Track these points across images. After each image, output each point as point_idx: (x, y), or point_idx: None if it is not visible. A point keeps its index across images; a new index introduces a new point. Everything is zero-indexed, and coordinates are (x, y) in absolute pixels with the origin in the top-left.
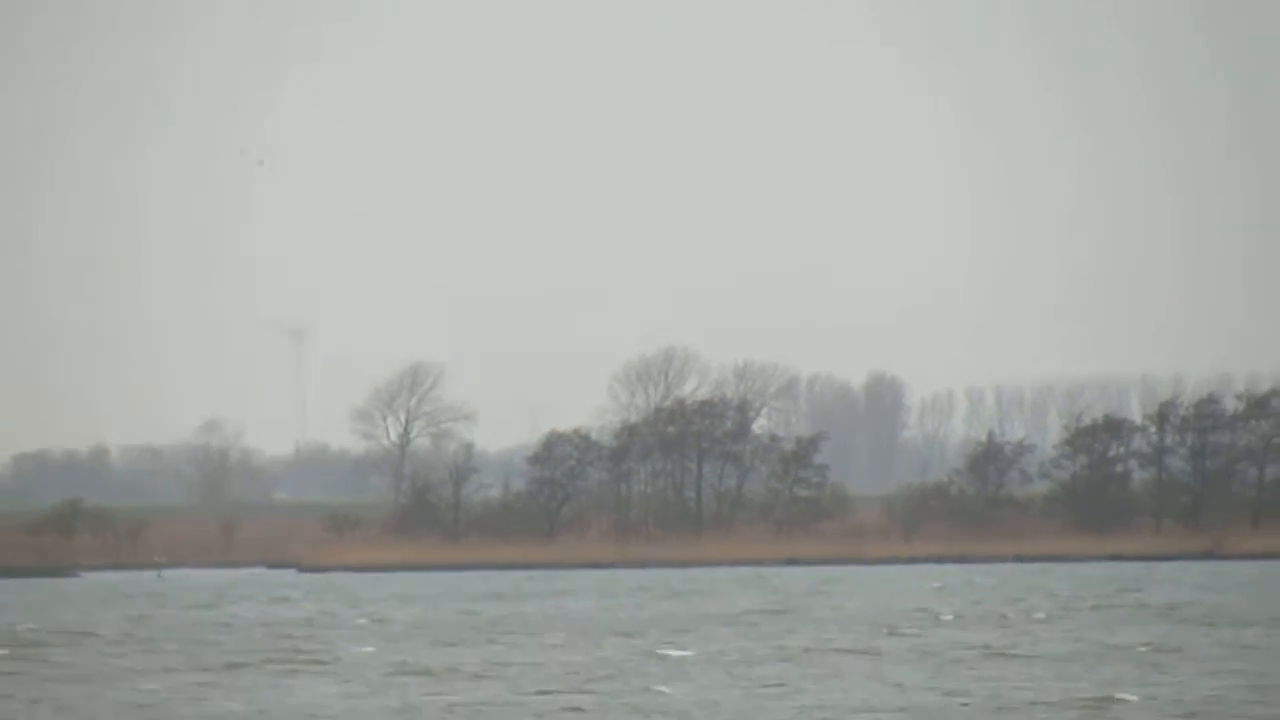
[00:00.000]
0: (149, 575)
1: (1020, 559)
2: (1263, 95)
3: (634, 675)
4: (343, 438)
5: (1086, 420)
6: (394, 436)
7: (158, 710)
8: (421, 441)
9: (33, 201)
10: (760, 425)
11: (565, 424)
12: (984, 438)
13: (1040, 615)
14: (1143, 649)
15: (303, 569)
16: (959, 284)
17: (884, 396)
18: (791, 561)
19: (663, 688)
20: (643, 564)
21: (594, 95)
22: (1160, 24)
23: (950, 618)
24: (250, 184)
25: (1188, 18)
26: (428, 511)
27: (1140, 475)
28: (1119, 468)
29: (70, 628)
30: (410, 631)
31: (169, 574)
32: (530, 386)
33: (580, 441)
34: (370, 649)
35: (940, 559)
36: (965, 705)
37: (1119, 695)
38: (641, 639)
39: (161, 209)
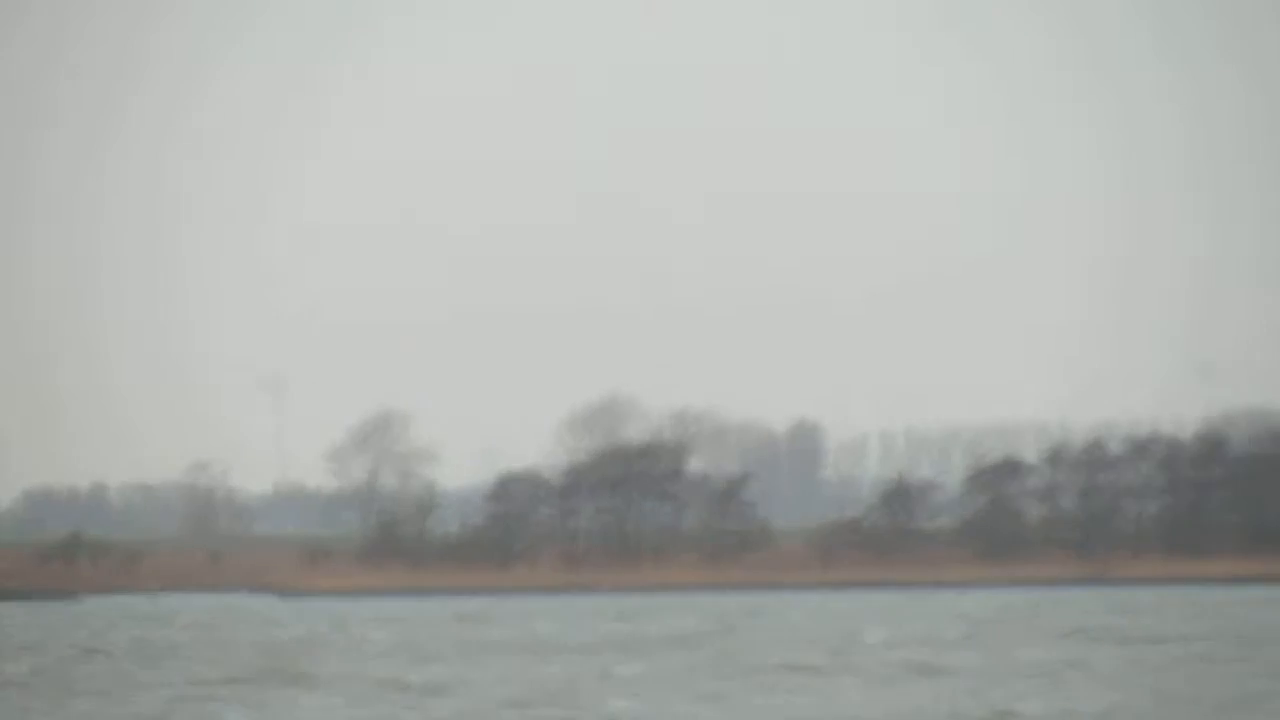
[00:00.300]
0: (143, 600)
1: (927, 586)
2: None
3: (593, 690)
4: (318, 476)
5: (987, 461)
6: (363, 475)
7: None
8: (388, 480)
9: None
10: (693, 466)
11: (519, 464)
12: (895, 476)
13: (952, 636)
14: (1052, 665)
15: (282, 594)
16: (878, 335)
17: (805, 440)
18: (721, 588)
19: (620, 701)
20: (589, 590)
21: (548, 145)
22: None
23: (875, 640)
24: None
25: None
26: (394, 543)
27: (1034, 510)
28: (1015, 504)
29: (84, 645)
30: (389, 650)
31: (161, 599)
32: (487, 430)
33: (532, 480)
34: (353, 666)
35: (855, 585)
36: (895, 717)
37: (1020, 708)
38: (597, 657)
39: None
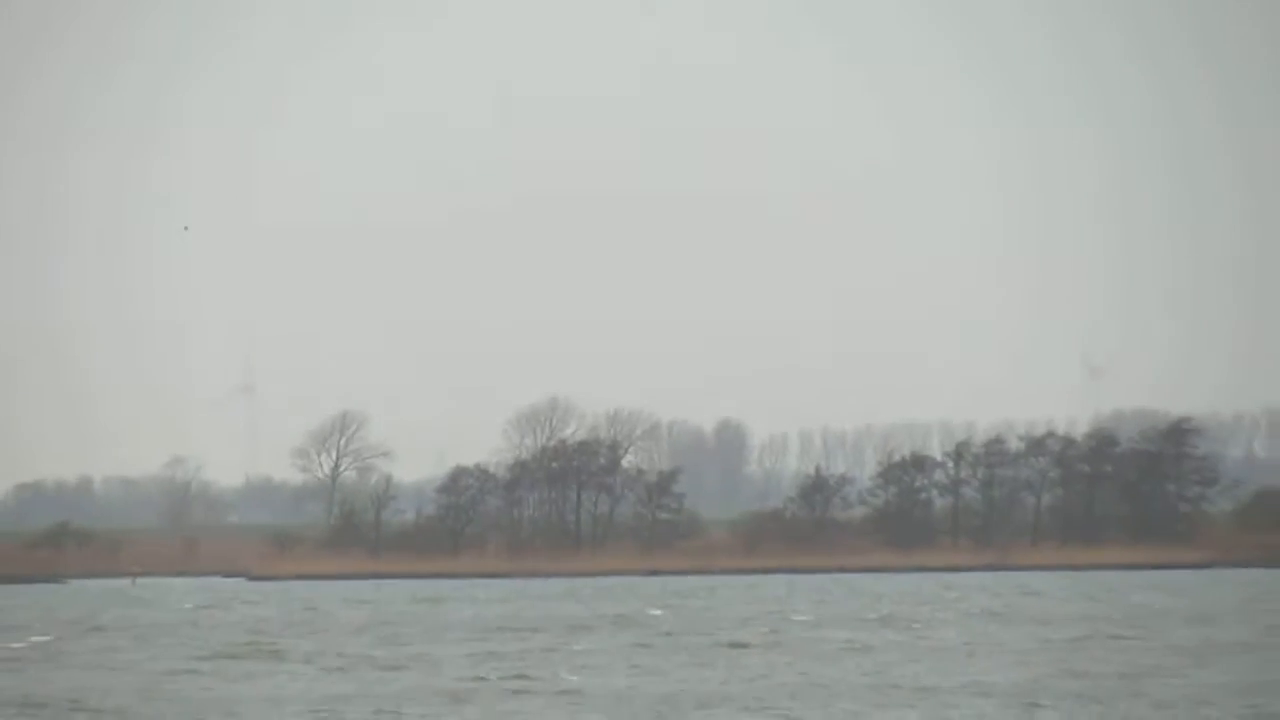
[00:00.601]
0: (125, 583)
1: (842, 570)
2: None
3: (547, 664)
4: (284, 471)
5: (896, 457)
6: (326, 470)
7: (170, 692)
8: (349, 474)
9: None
10: (628, 461)
11: (468, 460)
12: (813, 471)
13: (872, 616)
14: (966, 643)
15: (251, 578)
16: (800, 340)
17: (730, 438)
18: (654, 573)
19: (571, 676)
20: (532, 575)
21: (508, 173)
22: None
23: (803, 618)
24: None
25: None
26: (354, 532)
27: (940, 502)
28: (922, 496)
29: (82, 623)
30: (357, 630)
31: (141, 582)
32: (439, 428)
33: (480, 475)
34: (326, 644)
35: (777, 571)
36: (824, 687)
37: (941, 682)
38: (547, 634)
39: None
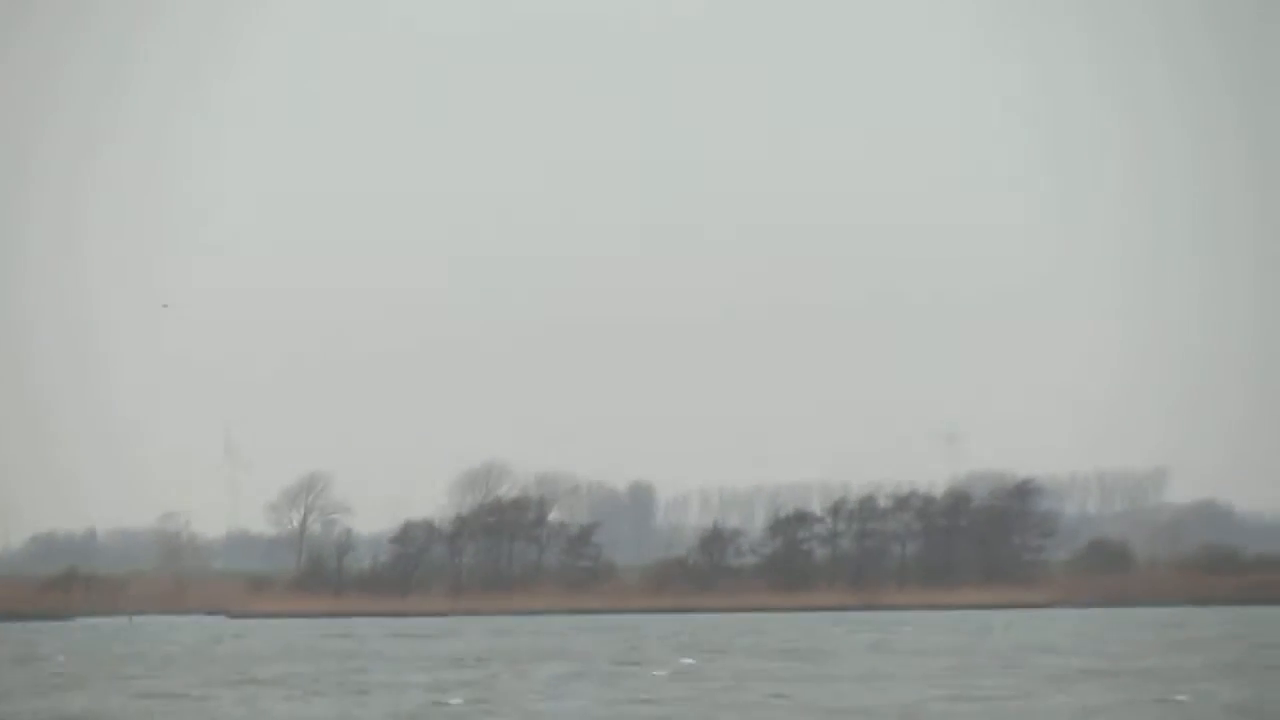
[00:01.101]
0: (123, 620)
1: (734, 610)
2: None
3: (492, 686)
4: (260, 524)
5: (782, 513)
6: (295, 523)
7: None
8: (315, 526)
9: None
10: (553, 516)
11: (417, 515)
12: (711, 525)
13: (773, 646)
14: (854, 670)
15: (231, 615)
16: (700, 409)
17: (640, 496)
18: (575, 612)
19: (527, 691)
20: (471, 614)
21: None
22: None
23: (695, 657)
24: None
25: None
26: (319, 576)
27: (820, 551)
28: (804, 546)
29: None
30: (331, 659)
31: (137, 619)
32: (392, 486)
33: (427, 527)
34: (308, 669)
35: (680, 610)
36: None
37: (838, 704)
38: (499, 663)
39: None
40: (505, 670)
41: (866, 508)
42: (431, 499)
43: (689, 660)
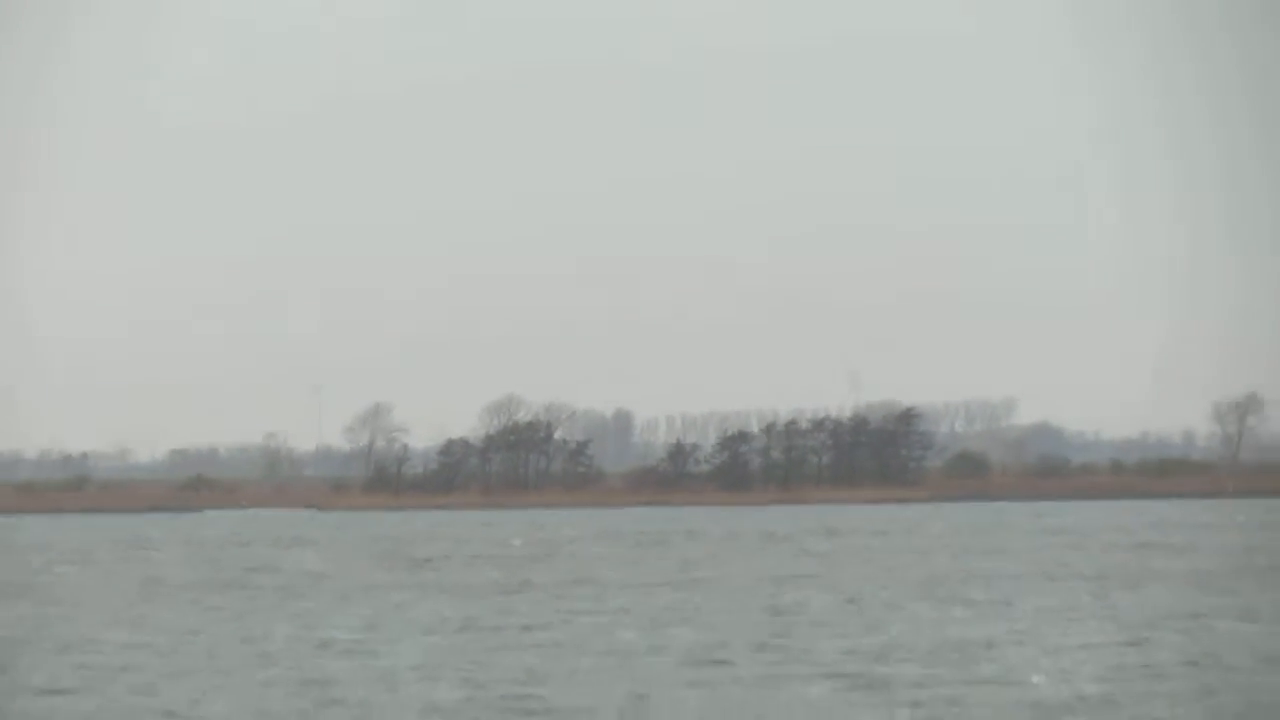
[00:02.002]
0: (242, 512)
1: (692, 505)
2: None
3: (553, 537)
4: (339, 440)
5: (729, 432)
6: (365, 441)
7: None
8: (380, 443)
9: None
10: (557, 435)
11: (457, 433)
12: (675, 441)
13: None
14: (795, 546)
15: (319, 509)
16: (672, 347)
17: (622, 420)
18: (575, 507)
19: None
20: (498, 508)
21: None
22: None
23: (706, 541)
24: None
25: None
26: (383, 480)
27: (756, 461)
28: (744, 457)
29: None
30: (409, 540)
31: (249, 512)
32: (438, 411)
33: (464, 444)
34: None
35: (651, 505)
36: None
37: (794, 571)
38: (541, 531)
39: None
40: (542, 532)
41: (791, 429)
42: (467, 422)
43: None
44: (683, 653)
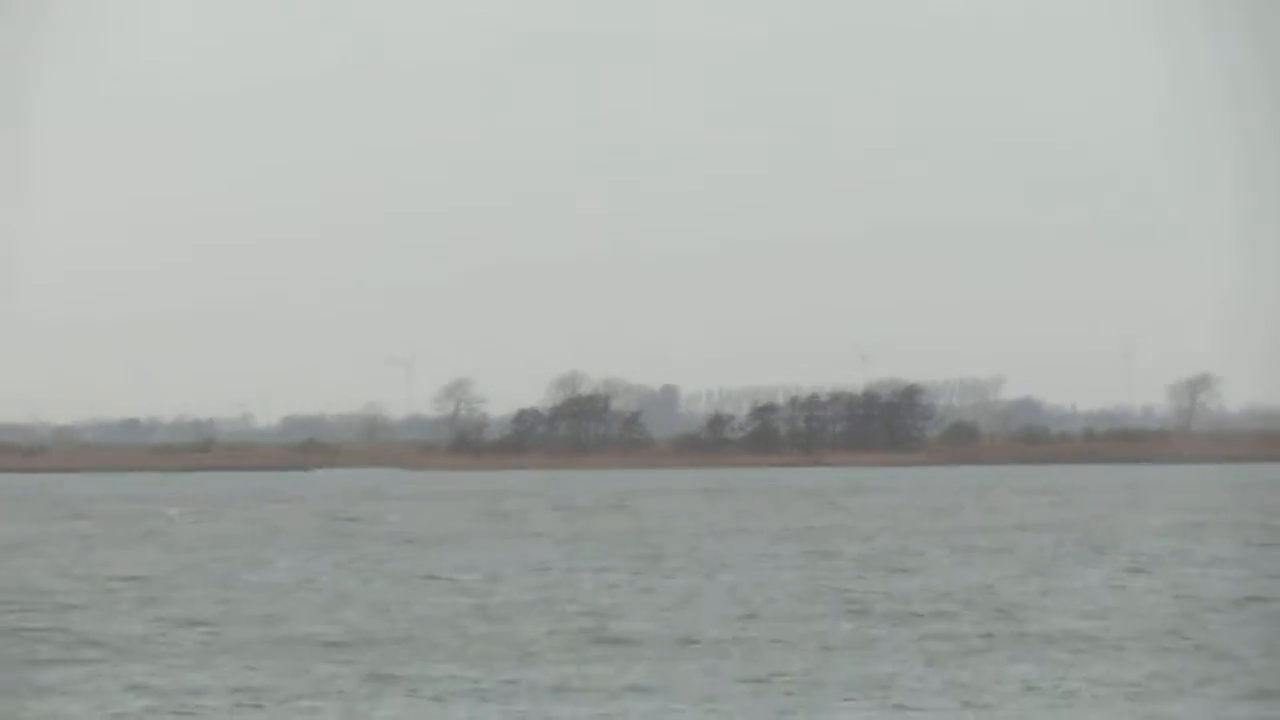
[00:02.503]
0: (345, 471)
1: (729, 468)
2: None
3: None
4: (428, 409)
5: (759, 404)
6: (450, 410)
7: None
8: (463, 412)
9: None
10: (614, 405)
11: (528, 404)
12: (714, 412)
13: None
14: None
15: (410, 469)
16: (714, 331)
17: (669, 394)
18: (630, 467)
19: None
20: (565, 468)
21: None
22: None
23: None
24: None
25: None
26: (465, 443)
27: (783, 429)
28: (773, 426)
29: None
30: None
31: (350, 471)
32: (513, 385)
33: (534, 412)
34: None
35: (693, 466)
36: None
37: (806, 524)
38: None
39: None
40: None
41: (813, 401)
42: (537, 394)
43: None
44: (726, 593)
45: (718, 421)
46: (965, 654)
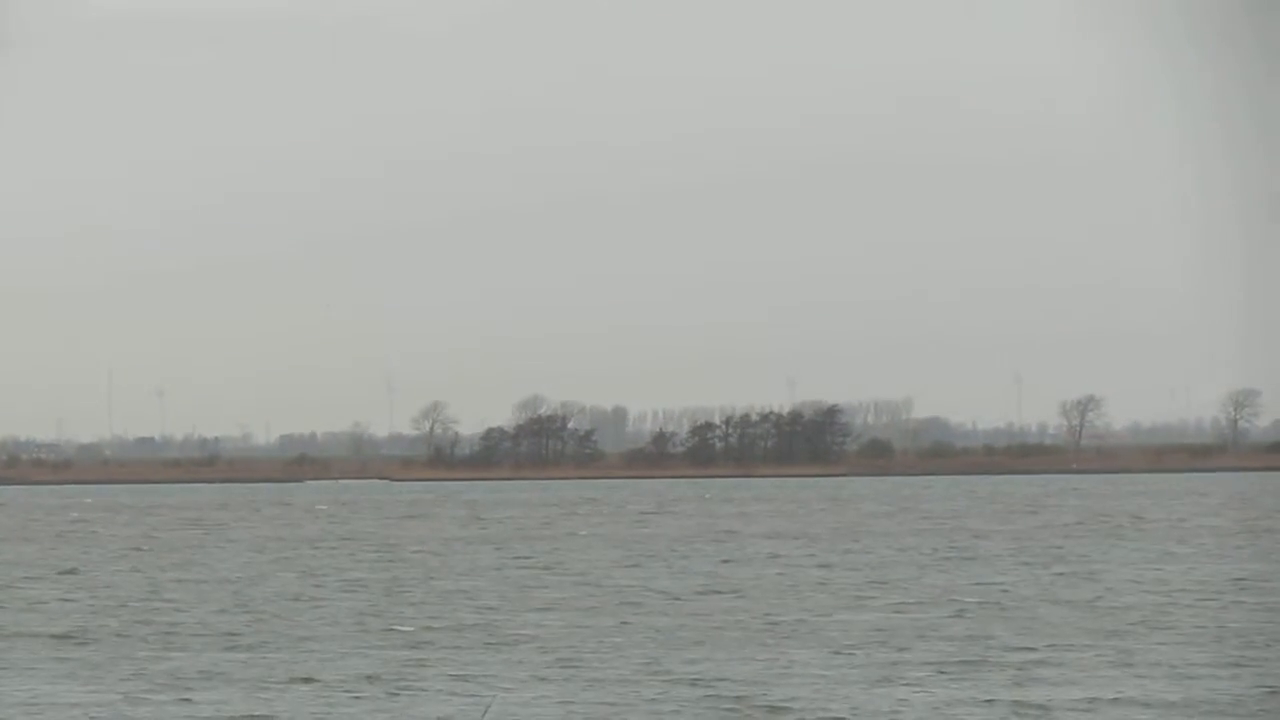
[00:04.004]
0: (330, 483)
1: (671, 478)
2: None
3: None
4: (406, 428)
5: (699, 423)
6: (426, 428)
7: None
8: (438, 429)
9: None
10: (570, 424)
11: (495, 423)
12: (658, 429)
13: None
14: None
15: (392, 480)
16: (657, 351)
17: (619, 413)
18: (583, 479)
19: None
20: (525, 480)
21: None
22: None
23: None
24: None
25: None
26: (440, 458)
27: (719, 444)
28: (710, 442)
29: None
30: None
31: (340, 483)
32: (483, 406)
33: (500, 430)
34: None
35: (639, 477)
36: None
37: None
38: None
39: None
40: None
41: (745, 420)
42: (503, 414)
43: (652, 505)
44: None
45: (661, 438)
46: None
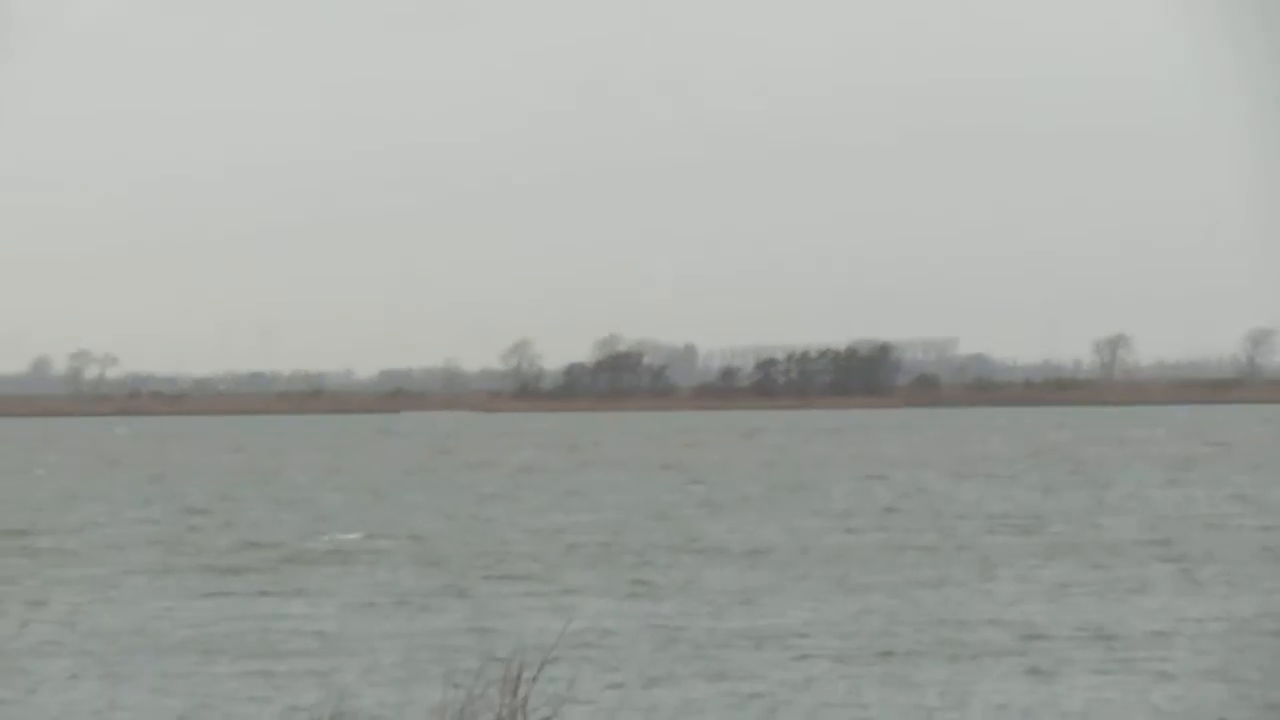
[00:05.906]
0: (429, 414)
1: (739, 409)
2: None
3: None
4: (495, 363)
5: (762, 358)
6: (513, 364)
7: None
8: (524, 365)
9: None
10: (645, 360)
11: (577, 359)
12: (727, 366)
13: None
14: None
15: (484, 411)
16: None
17: (689, 351)
18: (657, 410)
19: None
20: (606, 410)
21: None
22: None
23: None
24: None
25: None
26: (526, 391)
27: (781, 379)
28: (773, 377)
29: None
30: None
31: (434, 414)
32: (564, 343)
33: (582, 366)
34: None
35: (708, 409)
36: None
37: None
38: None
39: None
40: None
41: (805, 357)
42: (583, 351)
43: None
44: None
45: (728, 374)
46: None
